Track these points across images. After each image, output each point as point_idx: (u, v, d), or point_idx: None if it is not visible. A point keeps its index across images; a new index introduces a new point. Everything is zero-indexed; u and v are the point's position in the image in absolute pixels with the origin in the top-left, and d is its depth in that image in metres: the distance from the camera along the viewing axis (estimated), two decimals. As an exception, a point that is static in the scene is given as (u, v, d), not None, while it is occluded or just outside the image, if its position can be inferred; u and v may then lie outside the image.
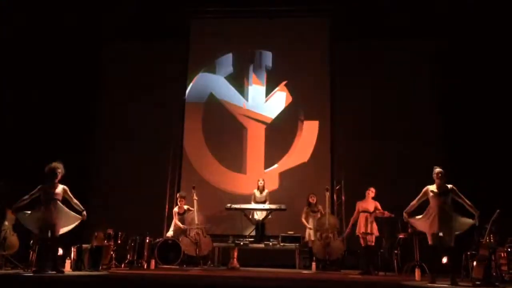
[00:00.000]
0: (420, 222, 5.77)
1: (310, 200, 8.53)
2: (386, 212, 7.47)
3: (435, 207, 5.64)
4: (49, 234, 5.77)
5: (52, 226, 5.77)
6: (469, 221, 5.59)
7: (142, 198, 9.52)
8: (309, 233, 8.42)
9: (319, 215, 8.35)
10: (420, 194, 5.81)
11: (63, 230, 5.89)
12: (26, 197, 5.87)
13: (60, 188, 5.94)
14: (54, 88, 9.65)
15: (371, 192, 7.63)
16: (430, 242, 5.67)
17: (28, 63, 9.37)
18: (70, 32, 9.83)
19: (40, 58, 9.50)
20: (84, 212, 6.02)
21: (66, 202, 6.00)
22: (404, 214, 5.92)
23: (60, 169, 5.96)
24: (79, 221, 5.99)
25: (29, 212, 5.85)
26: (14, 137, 8.90)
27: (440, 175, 5.72)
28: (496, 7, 8.81)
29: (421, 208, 5.85)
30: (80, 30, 9.92)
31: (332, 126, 9.94)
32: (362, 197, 7.70)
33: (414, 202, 5.87)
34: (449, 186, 5.72)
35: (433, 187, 5.74)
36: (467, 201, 5.67)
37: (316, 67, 10.24)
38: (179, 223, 8.54)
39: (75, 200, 6.05)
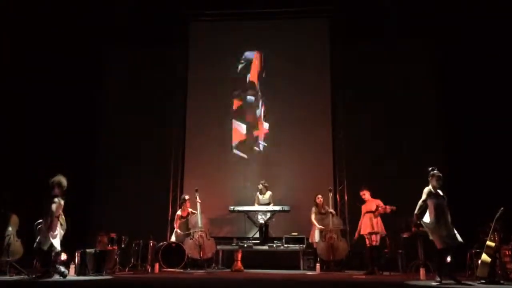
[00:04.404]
0: (431, 225, 5.72)
1: (317, 201, 8.51)
2: (387, 207, 7.44)
3: (440, 209, 5.66)
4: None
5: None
6: None
7: (145, 201, 9.52)
8: (314, 234, 8.38)
9: (325, 215, 8.33)
10: (424, 196, 5.80)
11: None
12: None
13: (51, 201, 5.99)
14: (55, 93, 9.64)
15: (364, 194, 7.67)
16: (439, 246, 5.62)
17: (27, 67, 9.37)
18: (70, 35, 9.84)
19: (40, 60, 9.50)
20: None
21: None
22: (415, 216, 5.89)
23: (59, 182, 6.05)
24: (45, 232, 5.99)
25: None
26: (14, 143, 8.90)
27: (439, 177, 5.76)
28: (495, 7, 8.79)
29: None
30: (79, 34, 9.94)
31: (334, 126, 9.92)
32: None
33: (421, 203, 5.85)
34: (440, 192, 5.78)
35: (433, 189, 5.76)
36: None
37: (316, 68, 10.22)
38: (179, 231, 8.51)
39: (51, 211, 5.99)
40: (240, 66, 10.46)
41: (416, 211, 5.87)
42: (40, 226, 5.91)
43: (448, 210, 5.68)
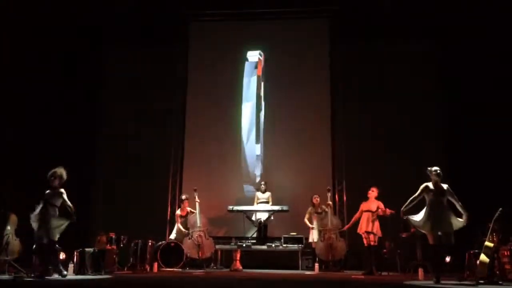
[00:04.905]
0: (419, 222, 5.73)
1: (314, 201, 8.53)
2: (387, 210, 7.42)
3: (433, 205, 5.64)
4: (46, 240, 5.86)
5: (48, 230, 5.85)
6: (460, 221, 5.62)
7: (144, 201, 9.55)
8: (313, 234, 8.39)
9: (323, 215, 8.34)
10: (419, 191, 5.81)
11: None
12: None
13: (59, 192, 6.00)
14: (55, 93, 9.66)
15: (372, 191, 7.62)
16: (431, 242, 5.64)
17: (27, 67, 9.38)
18: (71, 35, 9.85)
19: (40, 60, 9.51)
20: (74, 216, 6.03)
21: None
22: (401, 212, 5.89)
23: (61, 174, 6.03)
24: (67, 223, 6.02)
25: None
26: (14, 143, 8.92)
27: (438, 173, 5.74)
28: (495, 7, 8.76)
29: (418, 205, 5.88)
30: (79, 34, 9.96)
31: (333, 125, 9.92)
32: (364, 197, 7.70)
33: (412, 198, 5.85)
34: (445, 186, 5.74)
35: (431, 185, 5.75)
36: (459, 202, 5.69)
37: (316, 67, 10.22)
38: (181, 228, 8.53)
39: (69, 203, 6.07)
40: (246, 64, 10.46)
41: (403, 208, 5.85)
42: (46, 216, 5.88)
43: (447, 207, 5.64)
